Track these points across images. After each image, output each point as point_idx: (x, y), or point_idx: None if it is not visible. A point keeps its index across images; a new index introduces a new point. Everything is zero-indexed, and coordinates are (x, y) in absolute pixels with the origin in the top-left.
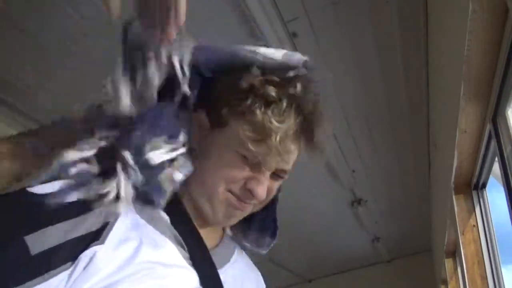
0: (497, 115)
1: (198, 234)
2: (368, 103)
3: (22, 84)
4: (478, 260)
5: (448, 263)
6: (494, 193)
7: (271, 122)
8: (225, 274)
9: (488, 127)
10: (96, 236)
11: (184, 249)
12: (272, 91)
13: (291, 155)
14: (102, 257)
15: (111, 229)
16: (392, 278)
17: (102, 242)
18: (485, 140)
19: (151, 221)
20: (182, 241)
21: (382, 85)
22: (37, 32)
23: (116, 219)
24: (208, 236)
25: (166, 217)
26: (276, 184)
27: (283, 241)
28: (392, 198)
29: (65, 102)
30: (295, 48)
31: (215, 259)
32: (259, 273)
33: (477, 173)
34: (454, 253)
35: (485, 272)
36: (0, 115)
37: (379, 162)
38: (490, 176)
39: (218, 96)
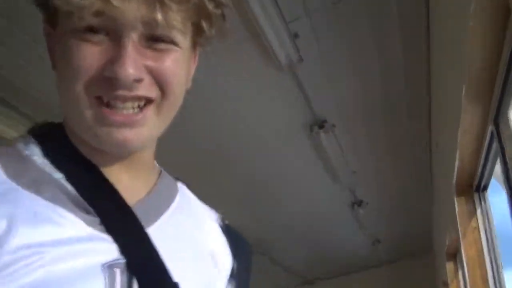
0: (499, 116)
1: (110, 186)
2: (369, 103)
3: (23, 84)
4: (479, 262)
5: (449, 265)
6: (496, 195)
7: None
8: (159, 229)
9: (490, 128)
10: None
11: (89, 212)
12: None
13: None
14: None
15: None
16: (393, 281)
17: None
18: (487, 141)
19: (33, 183)
20: (85, 202)
21: (383, 86)
22: (38, 32)
23: None
24: (134, 185)
25: (58, 174)
26: (167, 58)
27: (284, 243)
28: (392, 200)
29: None
30: (297, 49)
31: (144, 213)
32: (211, 212)
33: (478, 174)
34: (455, 256)
35: (487, 275)
36: (0, 115)
37: (380, 164)
38: (492, 177)
39: None
